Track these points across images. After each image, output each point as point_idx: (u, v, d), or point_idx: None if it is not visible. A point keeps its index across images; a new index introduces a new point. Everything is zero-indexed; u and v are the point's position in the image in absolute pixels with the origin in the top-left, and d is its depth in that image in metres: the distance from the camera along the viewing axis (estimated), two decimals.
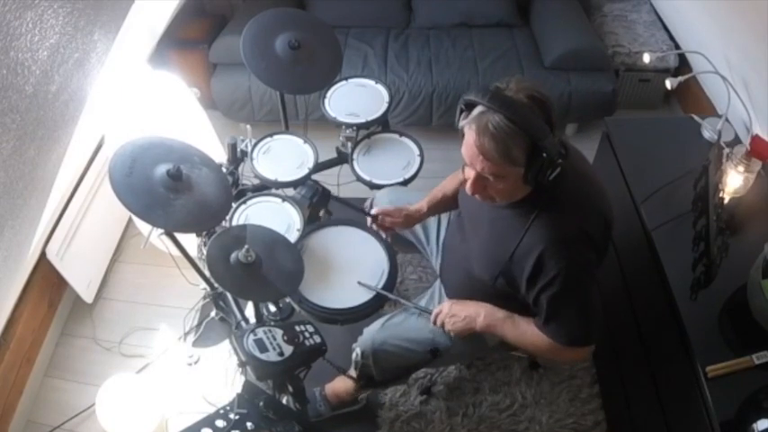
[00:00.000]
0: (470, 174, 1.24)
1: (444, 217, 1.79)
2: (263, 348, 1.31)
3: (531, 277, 1.28)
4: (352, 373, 1.70)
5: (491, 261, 1.36)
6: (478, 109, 1.15)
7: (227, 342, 1.83)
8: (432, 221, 1.80)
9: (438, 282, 1.72)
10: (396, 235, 1.79)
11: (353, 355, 1.64)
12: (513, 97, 1.13)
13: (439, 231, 1.79)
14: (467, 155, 1.21)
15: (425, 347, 1.55)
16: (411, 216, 1.68)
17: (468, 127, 1.17)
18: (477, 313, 1.44)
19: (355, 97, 1.89)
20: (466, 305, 1.48)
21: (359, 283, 1.55)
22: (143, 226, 2.23)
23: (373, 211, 1.69)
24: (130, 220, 2.58)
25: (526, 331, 1.39)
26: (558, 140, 1.18)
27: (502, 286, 1.37)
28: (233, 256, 1.33)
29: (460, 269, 1.52)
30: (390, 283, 1.58)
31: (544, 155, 1.13)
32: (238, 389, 1.32)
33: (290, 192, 1.74)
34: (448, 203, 1.68)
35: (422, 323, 1.58)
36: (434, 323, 1.52)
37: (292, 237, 1.57)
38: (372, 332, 1.61)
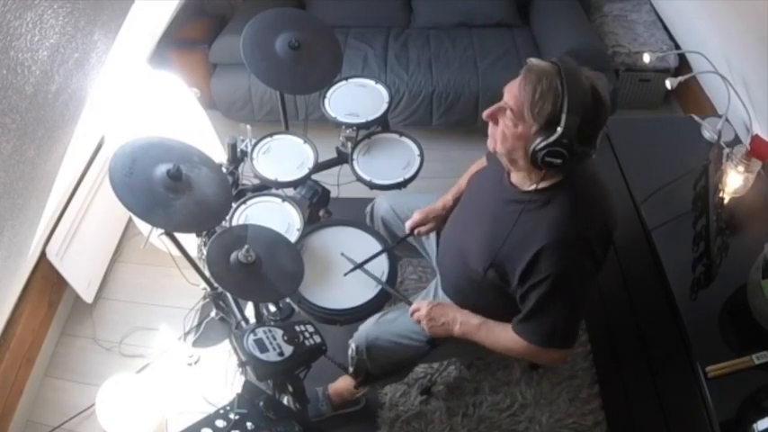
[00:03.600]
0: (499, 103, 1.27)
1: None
2: (263, 348, 1.31)
3: (524, 273, 1.28)
4: (350, 369, 1.70)
5: (487, 252, 1.36)
6: (548, 63, 1.19)
7: (227, 342, 1.83)
8: None
9: (434, 281, 1.72)
10: (397, 239, 1.79)
11: (349, 351, 1.64)
12: (580, 75, 1.16)
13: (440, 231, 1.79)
14: (508, 85, 1.24)
15: (421, 341, 1.55)
16: (440, 216, 1.68)
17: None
18: (455, 320, 1.45)
19: (355, 97, 1.89)
20: (445, 309, 1.48)
21: (342, 254, 1.59)
22: (143, 226, 2.23)
23: (407, 227, 1.70)
24: (130, 220, 2.58)
25: (500, 337, 1.40)
26: (586, 149, 1.19)
27: (493, 279, 1.38)
28: (233, 256, 1.33)
29: (457, 259, 1.52)
30: (390, 283, 1.58)
31: (558, 129, 1.14)
32: (238, 389, 1.32)
33: (290, 192, 1.74)
34: None
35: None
36: (411, 315, 1.53)
37: (292, 237, 1.57)
38: (366, 328, 1.61)
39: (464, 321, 1.45)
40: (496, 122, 1.27)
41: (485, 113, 1.28)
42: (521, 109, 1.19)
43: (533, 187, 1.27)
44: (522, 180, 1.33)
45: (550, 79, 1.15)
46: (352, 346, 1.62)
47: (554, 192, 1.26)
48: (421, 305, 1.51)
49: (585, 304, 1.35)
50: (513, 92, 1.21)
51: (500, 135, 1.26)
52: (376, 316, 1.63)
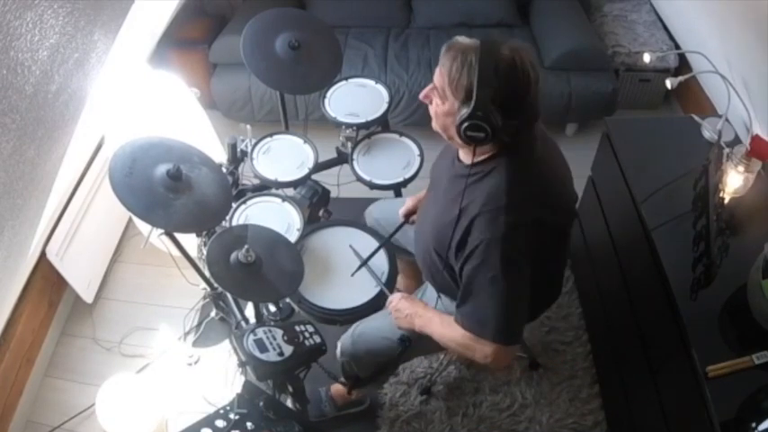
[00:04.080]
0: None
1: None
2: (263, 348, 1.31)
3: (460, 244, 1.26)
4: (340, 376, 1.70)
5: (439, 231, 1.34)
6: (471, 41, 1.19)
7: (227, 342, 1.83)
8: None
9: None
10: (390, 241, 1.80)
11: (337, 354, 1.64)
12: (500, 47, 1.15)
13: None
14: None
15: (396, 338, 1.54)
16: None
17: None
18: (416, 312, 1.44)
19: (355, 97, 1.89)
20: (411, 303, 1.47)
21: (350, 246, 1.60)
22: (143, 226, 2.23)
23: (401, 215, 1.70)
24: (130, 220, 2.58)
25: (445, 331, 1.36)
26: (516, 124, 1.18)
27: (449, 261, 1.34)
28: (233, 256, 1.33)
29: (421, 244, 1.51)
30: (390, 284, 1.58)
31: (472, 102, 1.15)
32: (238, 389, 1.32)
33: (290, 192, 1.74)
34: None
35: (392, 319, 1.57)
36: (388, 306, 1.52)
37: (292, 237, 1.58)
38: (351, 329, 1.62)
39: (422, 315, 1.43)
40: (431, 101, 1.29)
41: (420, 95, 1.30)
42: (442, 86, 1.22)
43: (476, 161, 1.27)
44: (465, 155, 1.33)
45: (466, 54, 1.16)
46: (339, 346, 1.63)
47: (492, 164, 1.26)
48: (394, 297, 1.51)
49: (524, 296, 1.27)
50: (437, 70, 1.23)
51: (433, 113, 1.29)
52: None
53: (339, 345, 1.63)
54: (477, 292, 1.26)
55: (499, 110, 1.15)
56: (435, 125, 1.31)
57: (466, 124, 1.17)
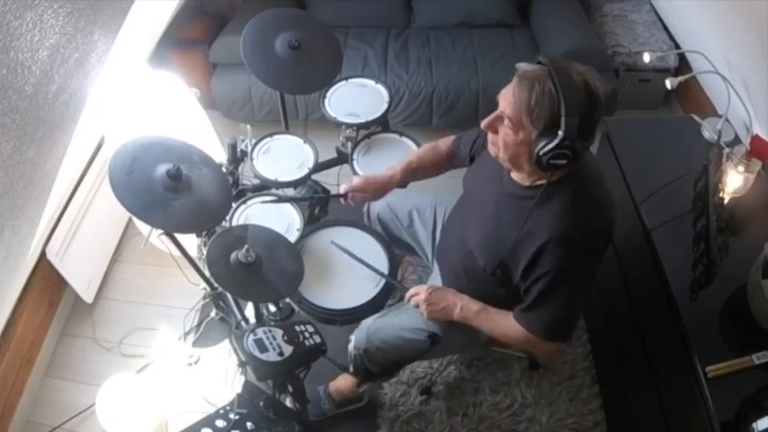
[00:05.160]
0: (495, 112, 1.27)
1: (440, 212, 1.78)
2: (263, 348, 1.31)
3: (527, 269, 1.30)
4: (350, 367, 1.70)
5: (491, 246, 1.37)
6: (538, 67, 1.19)
7: (227, 342, 1.83)
8: (428, 220, 1.79)
9: (428, 279, 1.72)
10: (393, 237, 1.80)
11: (349, 347, 1.64)
12: (570, 72, 1.16)
13: (435, 227, 1.78)
14: (502, 93, 1.24)
15: (422, 336, 1.55)
16: (381, 188, 1.66)
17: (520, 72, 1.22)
18: (455, 304, 1.46)
19: (355, 97, 1.89)
20: (445, 294, 1.49)
21: (333, 243, 1.61)
22: (143, 226, 2.23)
23: (342, 189, 1.66)
24: (130, 220, 2.58)
25: (499, 324, 1.42)
26: (587, 144, 1.21)
27: (496, 274, 1.38)
28: (233, 256, 1.33)
29: (458, 254, 1.52)
30: (389, 283, 1.58)
31: (559, 132, 1.14)
32: (238, 389, 1.32)
33: (290, 192, 1.74)
34: (425, 172, 1.67)
35: (416, 316, 1.57)
36: (408, 301, 1.53)
37: (292, 237, 1.58)
38: (367, 323, 1.61)
39: (464, 306, 1.45)
40: (496, 132, 1.27)
41: (483, 124, 1.28)
42: (519, 116, 1.20)
43: (537, 183, 1.29)
44: (522, 177, 1.33)
45: (543, 83, 1.15)
46: (352, 339, 1.63)
47: (556, 187, 1.27)
48: (419, 289, 1.51)
49: (585, 300, 1.37)
50: (508, 99, 1.21)
51: (502, 143, 1.26)
52: (377, 314, 1.63)
53: (353, 338, 1.63)
54: (547, 306, 1.32)
55: (581, 135, 1.17)
56: (502, 153, 1.28)
57: (552, 153, 1.17)
